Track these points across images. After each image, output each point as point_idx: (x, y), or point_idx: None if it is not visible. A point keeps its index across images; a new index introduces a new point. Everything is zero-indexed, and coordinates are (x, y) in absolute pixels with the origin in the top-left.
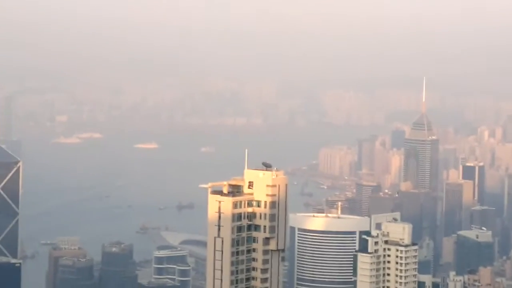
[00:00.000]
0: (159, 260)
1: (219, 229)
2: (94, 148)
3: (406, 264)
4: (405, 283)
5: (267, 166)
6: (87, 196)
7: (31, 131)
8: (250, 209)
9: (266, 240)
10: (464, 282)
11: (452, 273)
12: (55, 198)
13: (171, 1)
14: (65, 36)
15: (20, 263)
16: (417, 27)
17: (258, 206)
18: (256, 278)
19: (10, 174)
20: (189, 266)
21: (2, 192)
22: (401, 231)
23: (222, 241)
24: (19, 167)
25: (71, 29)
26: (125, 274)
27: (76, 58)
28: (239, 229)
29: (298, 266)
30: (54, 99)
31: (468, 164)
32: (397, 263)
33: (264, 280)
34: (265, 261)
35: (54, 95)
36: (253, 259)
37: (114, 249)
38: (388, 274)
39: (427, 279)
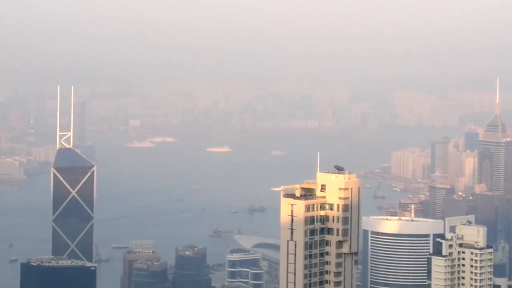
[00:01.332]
0: (232, 263)
1: (292, 233)
2: (167, 152)
3: (481, 267)
4: (480, 286)
5: (339, 169)
6: (160, 200)
7: (104, 135)
8: (323, 212)
9: (339, 243)
10: None
11: None
12: (128, 202)
13: (235, 5)
14: (136, 42)
15: (95, 267)
16: (487, 24)
17: (331, 209)
18: (330, 281)
19: (84, 179)
20: (262, 269)
21: (77, 196)
22: (475, 234)
23: (295, 245)
24: (93, 171)
25: (142, 35)
26: (199, 277)
27: (148, 63)
28: (312, 232)
29: (371, 269)
30: (127, 103)
31: None
32: (472, 266)
33: (337, 284)
34: (338, 264)
35: (127, 99)
36: (326, 263)
37: (187, 252)
38: (463, 278)
39: (503, 282)
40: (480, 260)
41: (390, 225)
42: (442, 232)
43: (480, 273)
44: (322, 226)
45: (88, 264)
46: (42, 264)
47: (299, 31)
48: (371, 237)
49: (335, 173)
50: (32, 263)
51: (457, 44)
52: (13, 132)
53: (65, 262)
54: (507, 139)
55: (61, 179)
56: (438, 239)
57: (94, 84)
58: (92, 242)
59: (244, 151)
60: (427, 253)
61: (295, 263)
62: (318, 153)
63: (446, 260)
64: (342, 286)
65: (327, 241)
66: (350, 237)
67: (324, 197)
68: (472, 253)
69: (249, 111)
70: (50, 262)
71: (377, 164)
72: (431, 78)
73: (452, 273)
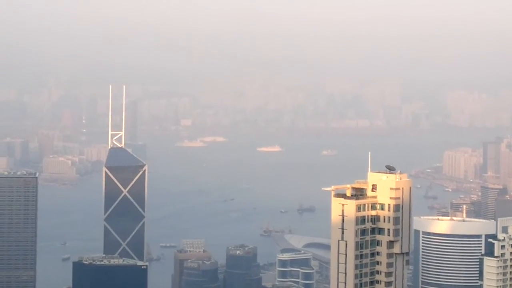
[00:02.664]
0: (283, 263)
1: (342, 232)
2: (218, 152)
3: None
4: None
5: (390, 169)
6: (211, 199)
7: (156, 135)
8: (373, 212)
9: (390, 243)
10: None
11: None
12: (179, 201)
13: (284, 8)
14: (187, 42)
15: (146, 265)
16: None
17: (382, 209)
18: (380, 281)
19: (136, 178)
20: (313, 269)
21: (128, 196)
22: None
23: (346, 244)
24: (144, 170)
25: (193, 36)
26: (249, 276)
27: (198, 62)
28: (363, 232)
29: (422, 269)
30: (178, 103)
31: None
32: None
33: (388, 284)
34: (389, 265)
35: (178, 99)
36: (377, 263)
37: (238, 252)
38: None
39: None
40: None
41: (441, 225)
42: (494, 232)
43: None
44: (373, 226)
45: (139, 263)
46: (94, 262)
47: (350, 33)
48: (422, 237)
49: (386, 173)
50: (84, 262)
51: (509, 44)
52: (66, 131)
53: (116, 261)
54: None
55: (113, 178)
56: (490, 240)
57: (146, 84)
58: (143, 241)
59: (295, 150)
60: (479, 254)
61: (346, 263)
62: (369, 152)
63: (498, 260)
64: (393, 287)
65: (378, 241)
66: (401, 237)
67: (375, 197)
68: None
69: (300, 111)
70: (101, 261)
71: (428, 164)
72: (483, 78)
73: (504, 273)
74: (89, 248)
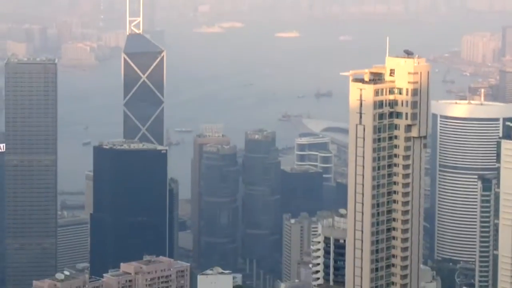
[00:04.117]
0: (301, 147)
1: (360, 117)
2: (236, 37)
3: None
4: None
5: (408, 54)
6: (230, 85)
7: (174, 21)
8: (391, 97)
9: (408, 127)
10: None
11: None
12: (198, 87)
13: None
14: None
15: (166, 150)
16: None
17: (400, 93)
18: (398, 164)
19: (154, 64)
20: (331, 153)
21: (147, 81)
22: None
23: (364, 129)
24: (163, 56)
25: None
26: (268, 160)
27: None
28: (381, 116)
29: (440, 152)
30: None
31: None
32: None
33: (406, 167)
34: (407, 148)
35: None
36: (395, 146)
37: (257, 136)
38: None
39: None
40: None
41: (459, 109)
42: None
43: None
44: (391, 110)
45: (159, 147)
46: (114, 147)
47: None
48: (440, 121)
49: (404, 57)
50: (104, 146)
51: None
52: (84, 17)
53: (136, 146)
54: None
55: (132, 64)
56: (508, 123)
57: None
58: (163, 126)
59: (313, 36)
60: (497, 137)
61: (363, 147)
62: (387, 37)
63: None
64: (410, 169)
65: (396, 125)
66: (419, 121)
67: (393, 81)
68: None
69: None
70: (122, 145)
71: (446, 48)
72: None
73: None
74: (109, 133)
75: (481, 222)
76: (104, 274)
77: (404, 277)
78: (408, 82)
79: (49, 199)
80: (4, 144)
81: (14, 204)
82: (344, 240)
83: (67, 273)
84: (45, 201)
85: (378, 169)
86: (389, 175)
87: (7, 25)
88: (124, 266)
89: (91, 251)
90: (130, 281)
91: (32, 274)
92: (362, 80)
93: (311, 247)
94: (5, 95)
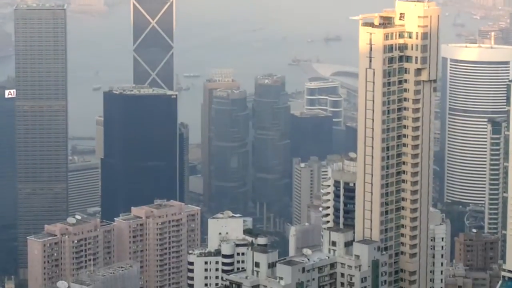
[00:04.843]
0: (311, 91)
1: (370, 61)
2: None
3: None
4: None
5: None
6: (240, 29)
7: None
8: (401, 41)
9: (418, 71)
10: None
11: None
12: (208, 32)
13: None
14: None
15: (176, 95)
16: None
17: (410, 37)
18: (408, 108)
19: (164, 9)
20: (341, 97)
21: (156, 26)
22: None
23: (374, 72)
24: (172, 1)
25: None
26: (278, 105)
27: None
28: (391, 60)
29: (450, 96)
30: None
31: None
32: None
33: (415, 110)
34: (417, 92)
35: None
36: (405, 90)
37: (266, 81)
38: None
39: None
40: None
41: (469, 52)
42: None
43: None
44: (401, 54)
45: (169, 92)
46: (124, 92)
47: None
48: (450, 64)
49: (414, 1)
50: (114, 92)
51: None
52: None
53: (146, 91)
54: None
55: (141, 9)
56: None
57: None
58: (173, 71)
59: None
60: (507, 80)
61: (373, 91)
62: None
63: None
64: (420, 113)
65: (406, 68)
66: (429, 65)
67: (403, 25)
68: None
69: None
70: (131, 91)
71: None
72: None
73: None
74: (119, 78)
75: (491, 165)
76: (115, 218)
77: (413, 219)
78: (418, 26)
79: (59, 144)
80: (14, 90)
81: (25, 150)
82: (354, 184)
83: (78, 217)
84: (56, 146)
85: (388, 113)
86: (399, 119)
87: None
88: (135, 210)
89: (102, 196)
90: (141, 225)
91: (43, 219)
92: (372, 24)
93: (321, 190)
94: (14, 41)
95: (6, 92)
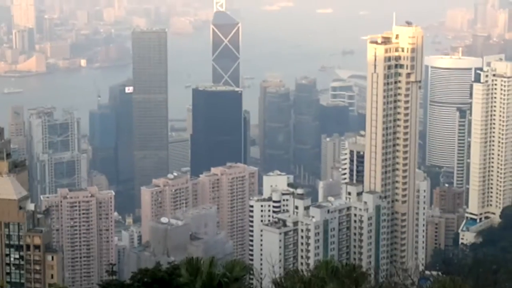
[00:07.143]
0: (334, 88)
1: (375, 67)
2: (288, 13)
3: (509, 93)
4: (507, 105)
5: (409, 23)
6: (286, 45)
7: (247, 1)
8: (397, 53)
9: (408, 75)
10: None
11: None
12: (264, 47)
13: None
14: None
15: (241, 91)
16: None
17: (403, 51)
18: (401, 100)
19: (233, 31)
20: (354, 92)
21: (228, 43)
22: (504, 67)
23: (377, 76)
24: (239, 27)
25: None
26: (311, 98)
27: None
28: (389, 67)
29: (430, 92)
30: None
31: None
32: (501, 90)
33: (406, 102)
34: (407, 89)
35: None
36: (399, 88)
37: (303, 81)
38: (495, 98)
39: None
40: (508, 85)
41: (444, 61)
42: (481, 66)
43: (508, 97)
44: (396, 63)
45: (236, 89)
46: (206, 89)
47: None
48: (431, 69)
49: (406, 26)
50: (199, 88)
51: None
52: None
53: (221, 88)
54: None
55: (217, 31)
56: (478, 71)
57: None
58: (239, 74)
59: (341, 11)
60: (470, 81)
61: (377, 88)
62: (394, 13)
63: (483, 85)
64: (409, 104)
65: (399, 73)
66: (416, 70)
67: (397, 43)
68: (502, 81)
69: None
70: (211, 88)
71: (435, 18)
72: None
73: (487, 94)
74: (202, 79)
75: (458, 139)
76: (200, 175)
77: (404, 177)
78: (408, 43)
79: (162, 124)
80: (132, 87)
81: (139, 127)
82: (363, 152)
83: (175, 174)
84: (160, 125)
85: (387, 103)
86: (395, 107)
87: (132, 5)
88: (214, 170)
89: (191, 160)
90: (218, 180)
91: (151, 175)
92: (376, 42)
93: (341, 157)
94: (132, 53)
95: (126, 88)
